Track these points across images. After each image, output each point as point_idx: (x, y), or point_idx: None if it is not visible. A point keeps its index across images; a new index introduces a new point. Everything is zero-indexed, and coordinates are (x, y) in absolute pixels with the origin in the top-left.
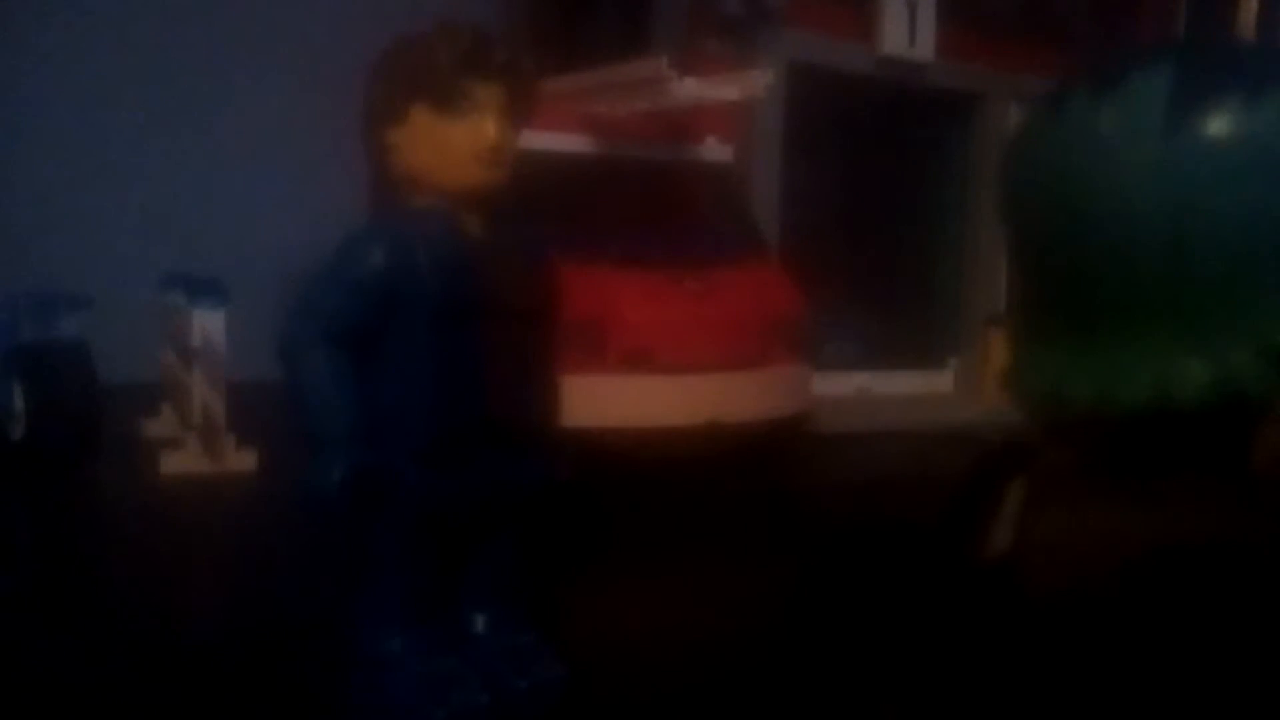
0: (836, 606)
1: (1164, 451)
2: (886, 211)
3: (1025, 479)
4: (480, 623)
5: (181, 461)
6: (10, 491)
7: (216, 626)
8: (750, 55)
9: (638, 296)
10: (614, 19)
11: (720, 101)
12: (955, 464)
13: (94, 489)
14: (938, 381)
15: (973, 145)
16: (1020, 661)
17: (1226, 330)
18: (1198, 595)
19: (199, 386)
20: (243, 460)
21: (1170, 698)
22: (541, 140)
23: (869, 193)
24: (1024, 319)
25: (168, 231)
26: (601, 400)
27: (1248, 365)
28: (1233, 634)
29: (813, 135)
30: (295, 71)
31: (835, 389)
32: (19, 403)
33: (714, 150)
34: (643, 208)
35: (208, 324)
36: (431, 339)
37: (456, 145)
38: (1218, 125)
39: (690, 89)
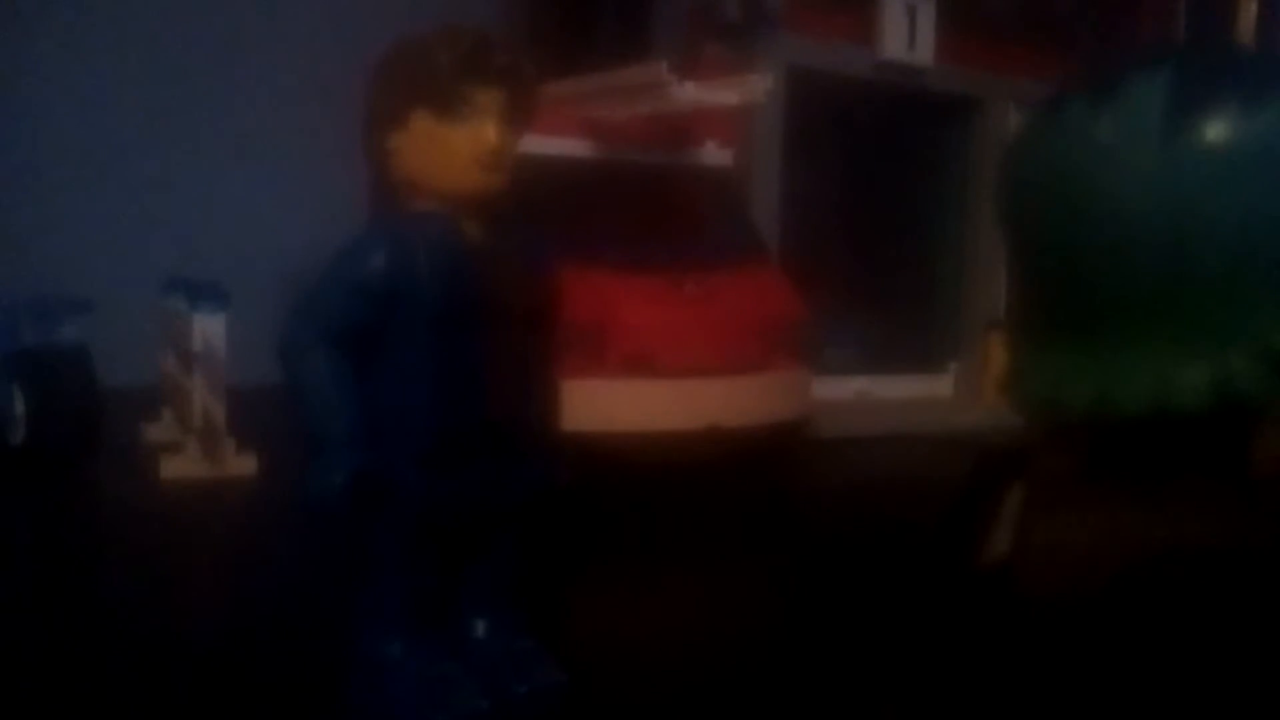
0: (836, 610)
1: (1164, 455)
2: (886, 215)
3: (1024, 483)
4: (480, 627)
5: (181, 465)
6: (10, 495)
7: (216, 630)
8: (750, 59)
9: (638, 300)
10: (614, 23)
11: (720, 106)
12: (955, 468)
13: (94, 493)
14: (937, 385)
15: (972, 149)
16: (1019, 665)
17: (1226, 334)
18: (1197, 599)
19: (199, 390)
20: (243, 464)
21: (1170, 701)
22: (542, 144)
23: (869, 197)
24: (1023, 323)
25: (168, 236)
26: (601, 404)
27: (1247, 369)
28: (1233, 638)
29: (812, 139)
30: (295, 76)
31: (835, 393)
32: (19, 406)
33: (714, 154)
34: (643, 212)
35: (208, 328)
36: (432, 342)
37: (457, 149)
38: (1217, 130)
39: (690, 93)
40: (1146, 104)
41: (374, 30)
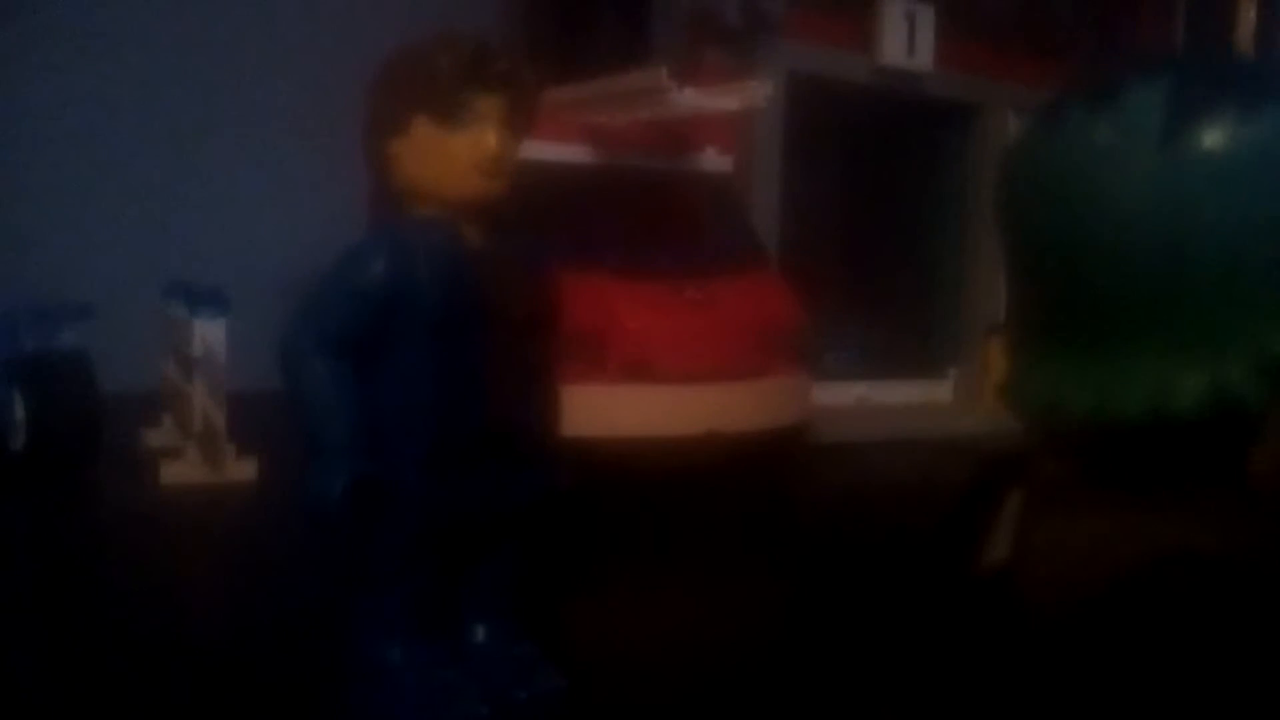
0: (835, 615)
1: (1162, 461)
2: (885, 221)
3: (1023, 488)
4: (480, 632)
5: (182, 471)
6: (11, 500)
7: (217, 636)
8: (750, 66)
9: (638, 306)
10: (614, 29)
11: (720, 112)
12: (954, 473)
13: (94, 498)
14: (937, 391)
15: (971, 155)
16: (1018, 671)
17: (1223, 342)
18: (1195, 604)
19: (199, 396)
20: (243, 470)
21: (1170, 707)
22: (542, 150)
23: (868, 203)
24: (1022, 328)
25: (169, 241)
26: (602, 410)
27: (1244, 377)
28: (1232, 644)
29: (812, 145)
30: (295, 81)
31: (835, 398)
32: (20, 411)
33: (714, 160)
34: (642, 218)
35: (209, 334)
36: (432, 348)
37: (457, 156)
38: (1215, 136)
39: (690, 99)
40: (1145, 110)
41: (375, 37)
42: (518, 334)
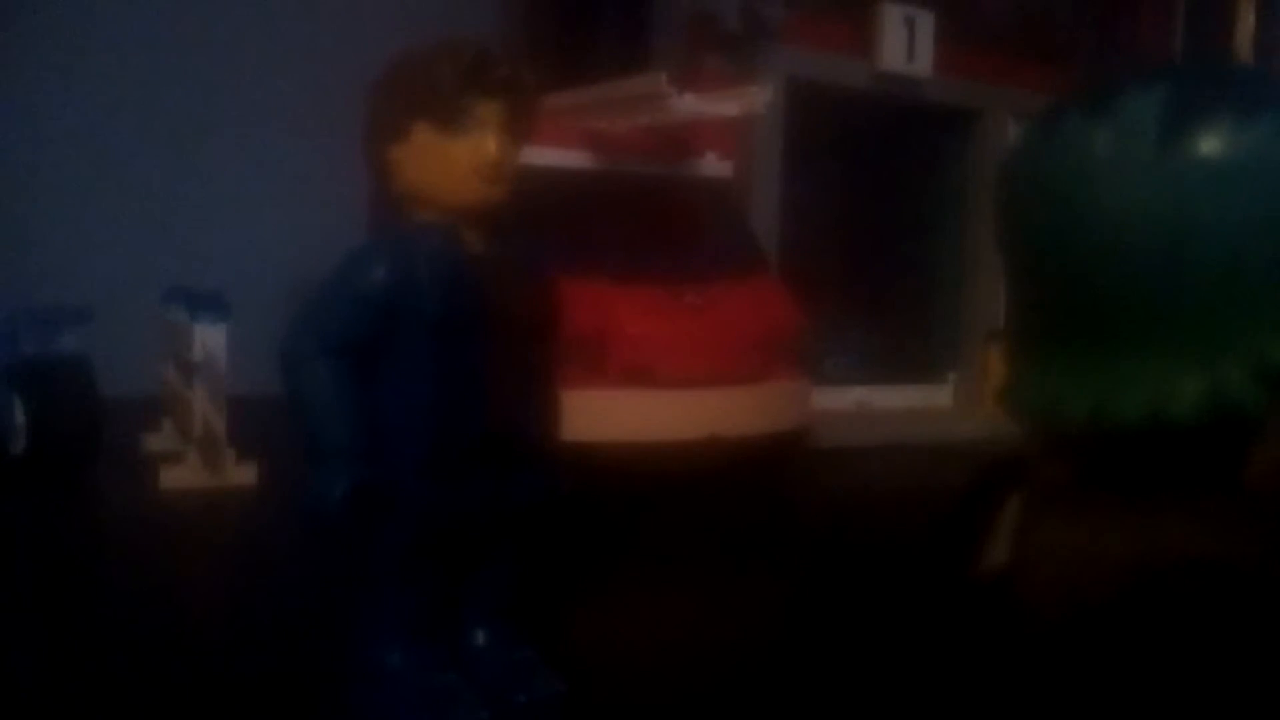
0: (835, 620)
1: (1161, 466)
2: (885, 226)
3: (1022, 492)
4: (480, 637)
5: (182, 475)
6: (10, 504)
7: (217, 640)
8: (749, 71)
9: (638, 311)
10: (614, 35)
11: (719, 117)
12: (954, 478)
13: (94, 502)
14: (937, 396)
15: (971, 160)
16: (1017, 675)
17: (1221, 348)
18: (1194, 609)
19: (200, 400)
20: (243, 474)
21: (1167, 710)
22: (542, 156)
23: (868, 208)
24: (1021, 334)
25: (169, 246)
26: (601, 415)
27: (1242, 382)
28: (1228, 651)
29: (812, 151)
30: (296, 86)
31: (834, 403)
32: (19, 416)
33: (713, 165)
34: (642, 223)
35: (209, 338)
36: (432, 353)
37: (458, 162)
38: (1211, 143)
39: (689, 105)
40: (1142, 117)
41: (375, 42)
42: (518, 339)
